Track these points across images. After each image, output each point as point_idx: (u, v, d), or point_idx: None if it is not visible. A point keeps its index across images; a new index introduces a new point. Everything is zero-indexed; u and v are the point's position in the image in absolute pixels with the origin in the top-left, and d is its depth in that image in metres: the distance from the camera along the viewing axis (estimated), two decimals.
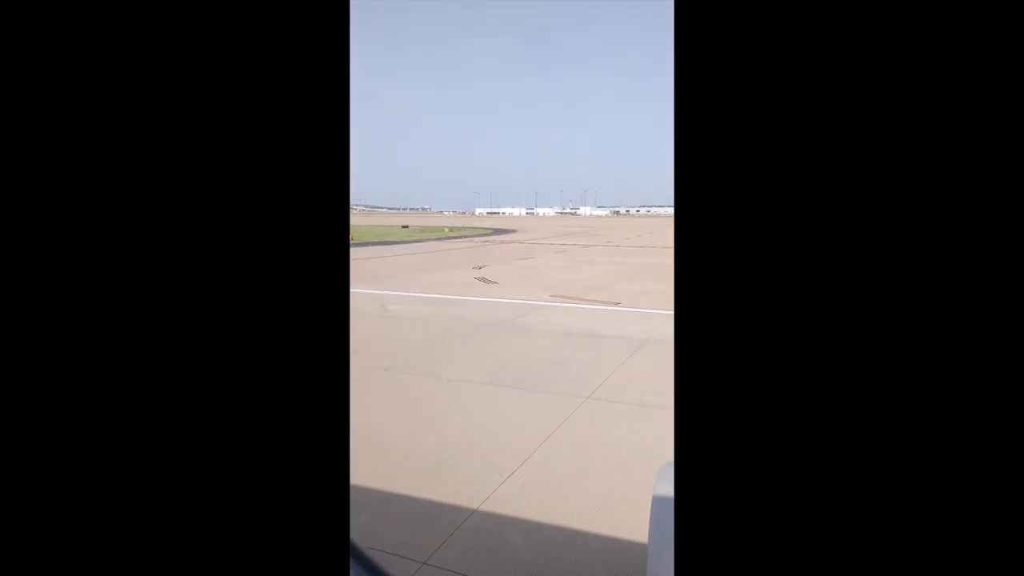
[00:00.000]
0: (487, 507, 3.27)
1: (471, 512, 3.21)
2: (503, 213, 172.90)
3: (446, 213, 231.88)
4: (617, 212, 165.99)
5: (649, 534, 1.12)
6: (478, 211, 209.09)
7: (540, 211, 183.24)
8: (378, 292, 11.46)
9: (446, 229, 50.03)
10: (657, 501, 1.15)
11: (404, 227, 55.08)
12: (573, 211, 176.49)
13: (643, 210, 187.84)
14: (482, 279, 13.71)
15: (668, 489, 1.12)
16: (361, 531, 2.91)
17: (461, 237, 35.87)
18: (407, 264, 18.14)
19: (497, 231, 45.34)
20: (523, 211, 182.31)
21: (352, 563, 0.84)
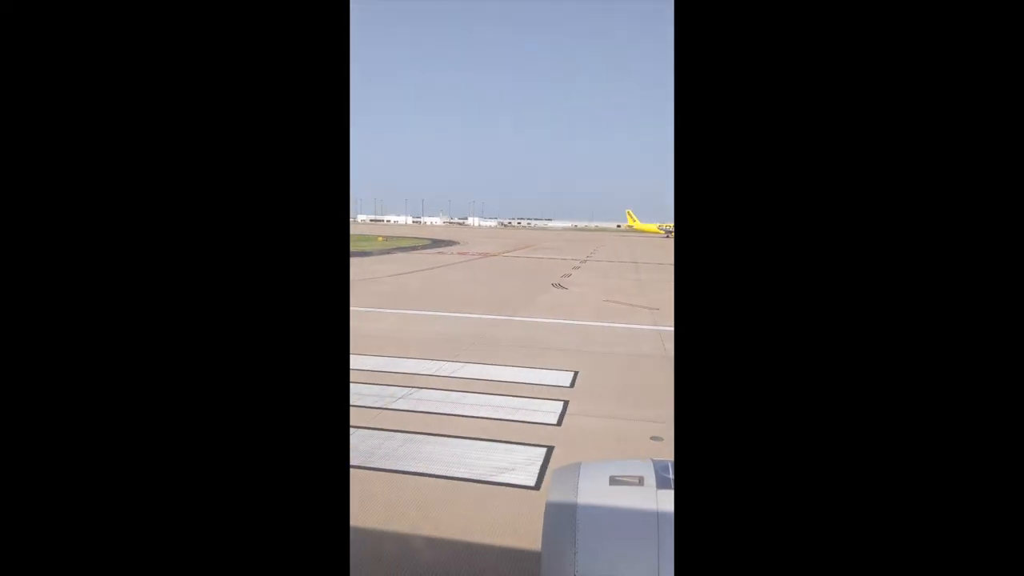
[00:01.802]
0: None
1: None
2: (387, 221, 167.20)
3: None
4: (504, 224, 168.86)
5: (543, 540, 1.06)
6: (360, 218, 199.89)
7: (427, 220, 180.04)
8: (558, 321, 9.66)
9: (379, 239, 46.50)
10: (551, 507, 1.10)
11: None
12: (461, 221, 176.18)
13: (524, 222, 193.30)
14: (628, 304, 12.25)
15: (562, 495, 1.12)
16: None
17: (410, 248, 32.87)
18: (461, 282, 15.97)
19: (436, 242, 42.74)
20: (409, 219, 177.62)
21: None
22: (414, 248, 33.15)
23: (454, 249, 33.26)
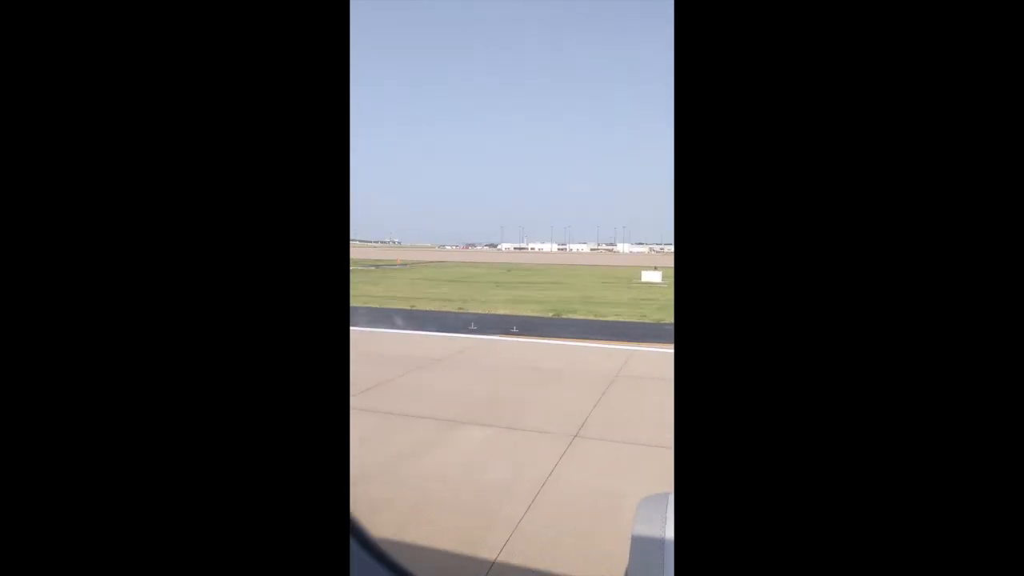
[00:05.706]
0: None
1: None
2: (532, 249, 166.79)
3: (448, 247, 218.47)
4: (656, 251, 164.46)
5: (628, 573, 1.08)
6: (503, 246, 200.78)
7: (573, 247, 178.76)
8: None
9: None
10: (638, 541, 1.08)
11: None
12: (609, 247, 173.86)
13: (659, 248, 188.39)
14: None
15: (649, 527, 1.07)
16: None
17: None
18: None
19: None
20: (554, 247, 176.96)
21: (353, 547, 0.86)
22: None
23: None
